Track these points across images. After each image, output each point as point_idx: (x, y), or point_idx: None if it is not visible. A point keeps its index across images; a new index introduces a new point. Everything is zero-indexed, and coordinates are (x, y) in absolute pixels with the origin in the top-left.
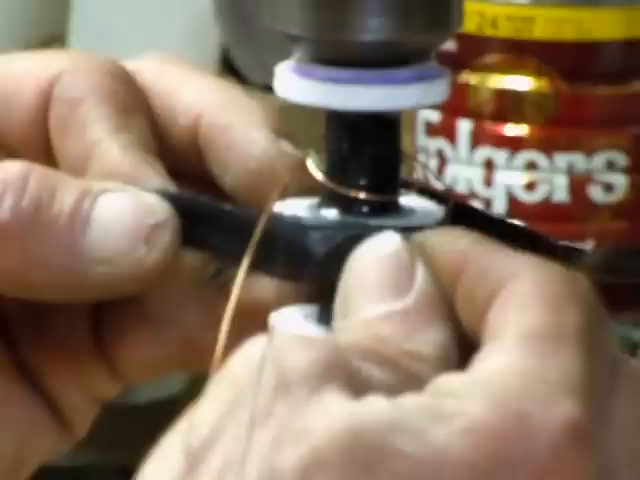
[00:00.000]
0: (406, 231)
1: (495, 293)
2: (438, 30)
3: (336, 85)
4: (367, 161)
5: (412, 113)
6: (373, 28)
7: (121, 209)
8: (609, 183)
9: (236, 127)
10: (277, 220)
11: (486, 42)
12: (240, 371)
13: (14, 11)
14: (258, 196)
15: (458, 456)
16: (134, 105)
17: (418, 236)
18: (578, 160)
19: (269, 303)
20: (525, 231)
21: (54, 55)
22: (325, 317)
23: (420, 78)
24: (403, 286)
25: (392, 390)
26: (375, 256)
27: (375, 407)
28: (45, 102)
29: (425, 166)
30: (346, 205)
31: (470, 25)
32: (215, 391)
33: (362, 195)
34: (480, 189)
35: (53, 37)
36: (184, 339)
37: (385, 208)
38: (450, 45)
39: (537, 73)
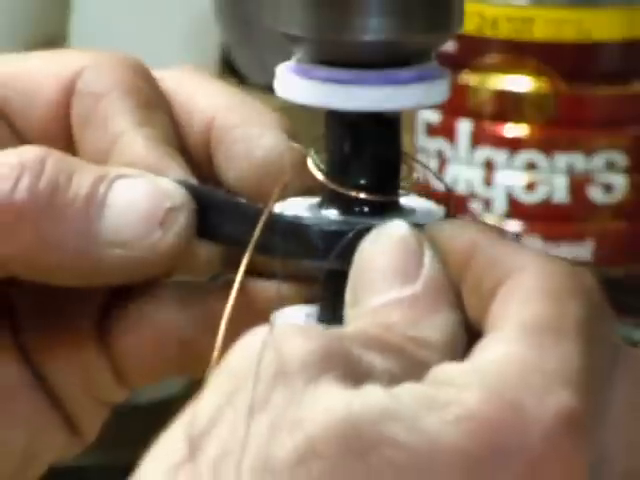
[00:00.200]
0: None
1: (500, 284)
2: (438, 31)
3: (337, 85)
4: (368, 161)
5: (412, 113)
6: (374, 29)
7: (137, 194)
8: (609, 183)
9: (245, 125)
10: (278, 219)
11: (486, 43)
12: (240, 361)
13: (14, 11)
14: (261, 192)
15: (452, 444)
16: (157, 101)
17: (427, 227)
18: (578, 160)
19: (270, 305)
20: None
21: (74, 52)
22: (327, 316)
23: (420, 78)
24: (411, 272)
25: (395, 378)
26: (383, 244)
27: (370, 396)
28: (66, 98)
29: (425, 166)
30: (347, 205)
31: (470, 26)
32: (215, 381)
33: (363, 195)
34: (480, 189)
35: (53, 37)
36: (183, 342)
37: (386, 208)
38: (450, 46)
39: (537, 73)
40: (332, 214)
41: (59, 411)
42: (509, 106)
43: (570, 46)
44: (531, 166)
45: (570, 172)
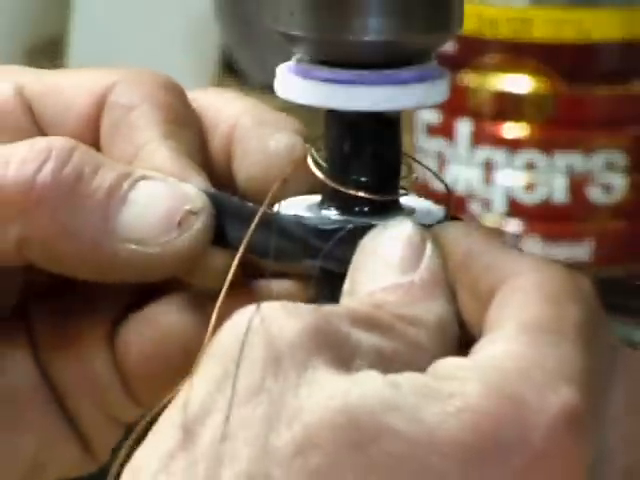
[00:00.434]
0: None
1: (497, 288)
2: (438, 31)
3: (337, 85)
4: (368, 161)
5: (412, 113)
6: (374, 29)
7: (158, 194)
8: (608, 183)
9: (261, 125)
10: (278, 219)
11: (485, 43)
12: (228, 343)
13: (14, 11)
14: (267, 190)
15: (452, 435)
16: (185, 118)
17: (431, 229)
18: (577, 160)
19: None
20: None
21: (107, 69)
22: None
23: (420, 79)
24: (411, 263)
25: (384, 356)
26: (387, 238)
27: (369, 385)
28: (98, 112)
29: (425, 166)
30: (347, 205)
31: (469, 26)
32: (205, 365)
33: (363, 194)
34: (480, 189)
35: (53, 37)
36: (185, 350)
37: (386, 207)
38: (450, 46)
39: (536, 74)
40: (332, 214)
41: (71, 425)
42: (509, 106)
43: (569, 46)
44: (530, 166)
45: (569, 172)
